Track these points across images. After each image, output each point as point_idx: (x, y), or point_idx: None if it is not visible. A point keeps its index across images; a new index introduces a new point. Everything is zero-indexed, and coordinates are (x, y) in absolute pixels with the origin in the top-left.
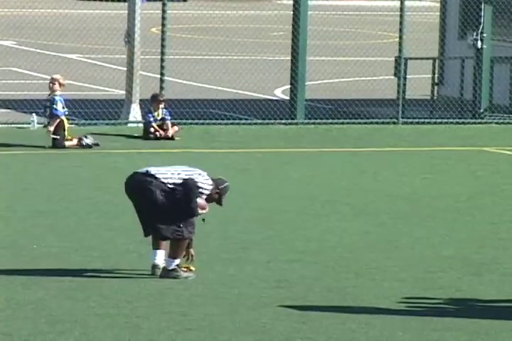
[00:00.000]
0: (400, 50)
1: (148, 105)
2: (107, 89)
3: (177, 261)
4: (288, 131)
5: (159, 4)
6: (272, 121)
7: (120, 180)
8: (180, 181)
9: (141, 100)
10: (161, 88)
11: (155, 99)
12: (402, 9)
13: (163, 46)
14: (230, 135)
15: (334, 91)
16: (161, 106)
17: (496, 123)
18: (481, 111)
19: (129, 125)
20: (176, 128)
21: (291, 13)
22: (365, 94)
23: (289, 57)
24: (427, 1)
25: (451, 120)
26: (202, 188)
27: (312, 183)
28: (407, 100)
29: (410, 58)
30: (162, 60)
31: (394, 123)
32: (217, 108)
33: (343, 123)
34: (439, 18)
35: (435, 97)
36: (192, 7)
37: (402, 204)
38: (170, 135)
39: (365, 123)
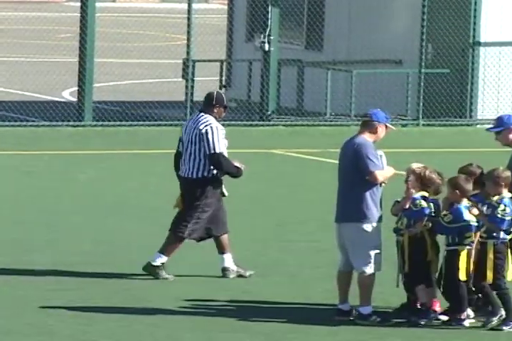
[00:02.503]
0: (188, 53)
1: None
2: None
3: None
4: (75, 132)
5: None
6: (60, 122)
7: None
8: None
9: None
10: None
11: None
12: (189, 11)
13: None
14: (17, 136)
15: (122, 93)
16: None
17: (284, 125)
18: (269, 113)
19: None
20: None
21: (79, 15)
22: (153, 96)
23: (76, 59)
24: (215, 4)
25: (238, 122)
26: (217, 133)
27: (100, 185)
28: (195, 102)
29: (198, 60)
30: None
31: (182, 125)
32: (5, 109)
33: (131, 125)
34: (226, 21)
35: None
36: None
37: None
38: None
39: (154, 125)
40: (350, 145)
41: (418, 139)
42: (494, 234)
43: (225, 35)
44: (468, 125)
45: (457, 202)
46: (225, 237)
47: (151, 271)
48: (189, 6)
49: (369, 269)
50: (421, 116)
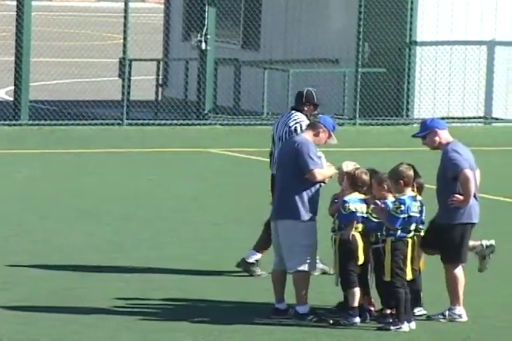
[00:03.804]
0: (125, 52)
1: None
2: None
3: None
4: (11, 132)
5: None
6: None
7: None
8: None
9: None
10: None
11: None
12: (126, 10)
13: None
14: None
15: (58, 93)
16: None
17: (221, 124)
18: (206, 112)
19: None
20: None
21: (15, 13)
22: (90, 95)
23: (12, 58)
24: (151, 3)
25: (175, 121)
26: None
27: (36, 184)
28: (131, 101)
29: (135, 59)
30: None
31: (119, 124)
32: None
33: (67, 124)
34: (163, 20)
35: (160, 99)
36: None
37: (128, 205)
38: None
39: (90, 124)
40: (291, 143)
41: (355, 138)
42: (391, 232)
43: (161, 34)
44: (404, 124)
45: (383, 198)
46: None
47: (245, 267)
48: (126, 5)
49: (303, 268)
50: (358, 115)
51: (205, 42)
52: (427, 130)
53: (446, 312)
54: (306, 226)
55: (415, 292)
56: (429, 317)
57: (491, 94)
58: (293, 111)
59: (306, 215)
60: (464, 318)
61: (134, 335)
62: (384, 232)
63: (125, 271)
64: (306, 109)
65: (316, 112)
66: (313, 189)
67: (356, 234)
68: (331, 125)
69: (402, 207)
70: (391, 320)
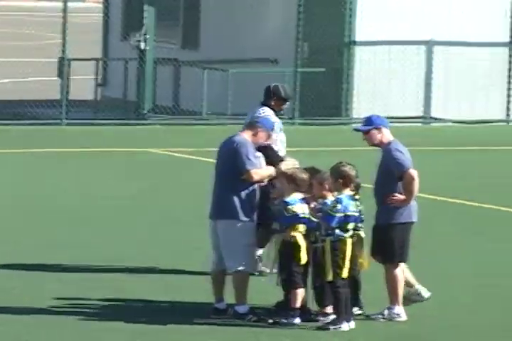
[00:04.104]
0: (64, 51)
1: None
2: None
3: None
4: None
5: None
6: None
7: None
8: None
9: None
10: None
11: None
12: (65, 10)
13: None
14: None
15: None
16: None
17: (160, 124)
18: (145, 112)
19: None
20: None
21: None
22: (29, 94)
23: None
24: (90, 2)
25: (115, 121)
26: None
27: None
28: (70, 101)
29: (74, 59)
30: None
31: (58, 124)
32: None
33: (6, 124)
34: (102, 19)
35: (99, 98)
36: None
37: (67, 205)
38: None
39: (29, 124)
40: (230, 143)
41: (294, 138)
42: (329, 231)
43: (100, 33)
44: (343, 124)
45: (323, 198)
46: None
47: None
48: (64, 4)
49: (243, 268)
50: (296, 115)
51: (145, 41)
52: (371, 125)
53: (386, 312)
54: (244, 226)
55: (354, 291)
56: (368, 317)
57: (429, 93)
58: (261, 106)
59: (244, 215)
60: (403, 317)
61: (72, 335)
62: (323, 232)
63: (63, 270)
64: (273, 103)
65: (286, 106)
66: (251, 189)
67: (298, 234)
68: (270, 125)
69: (339, 206)
70: (330, 320)
